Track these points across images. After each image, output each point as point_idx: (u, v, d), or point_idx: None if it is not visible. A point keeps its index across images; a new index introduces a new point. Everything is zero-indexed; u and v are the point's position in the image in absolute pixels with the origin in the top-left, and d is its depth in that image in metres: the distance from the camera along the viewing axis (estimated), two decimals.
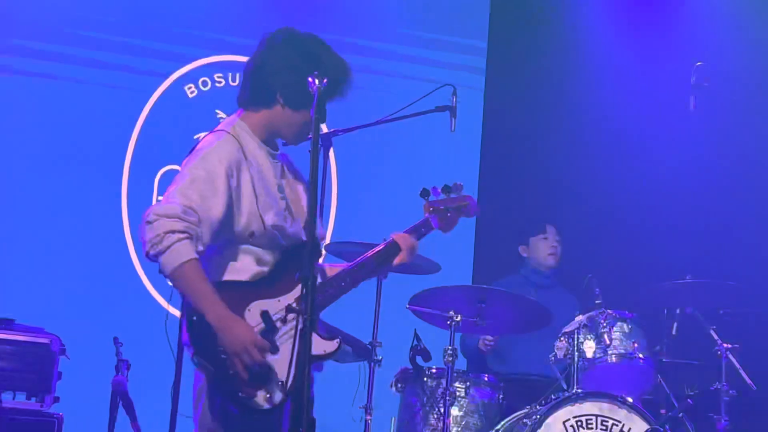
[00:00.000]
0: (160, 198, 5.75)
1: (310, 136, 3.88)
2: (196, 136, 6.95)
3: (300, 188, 4.11)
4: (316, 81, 3.58)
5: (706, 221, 7.73)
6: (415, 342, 5.82)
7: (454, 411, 5.89)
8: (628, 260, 7.67)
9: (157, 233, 3.67)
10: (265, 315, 3.80)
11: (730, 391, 6.06)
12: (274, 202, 3.92)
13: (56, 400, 5.72)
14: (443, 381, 5.79)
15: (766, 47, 7.82)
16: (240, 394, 3.72)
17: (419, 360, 5.86)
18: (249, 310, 3.80)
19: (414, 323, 5.97)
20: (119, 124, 7.36)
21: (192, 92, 7.50)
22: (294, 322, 3.80)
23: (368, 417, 5.87)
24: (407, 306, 5.93)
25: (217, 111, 7.16)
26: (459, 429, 5.92)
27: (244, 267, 3.87)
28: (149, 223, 3.69)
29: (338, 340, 3.92)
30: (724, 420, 6.03)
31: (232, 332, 3.68)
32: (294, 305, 3.80)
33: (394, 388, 6.08)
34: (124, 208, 7.24)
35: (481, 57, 8.10)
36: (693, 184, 7.79)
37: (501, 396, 6.05)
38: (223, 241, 3.86)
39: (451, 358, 5.75)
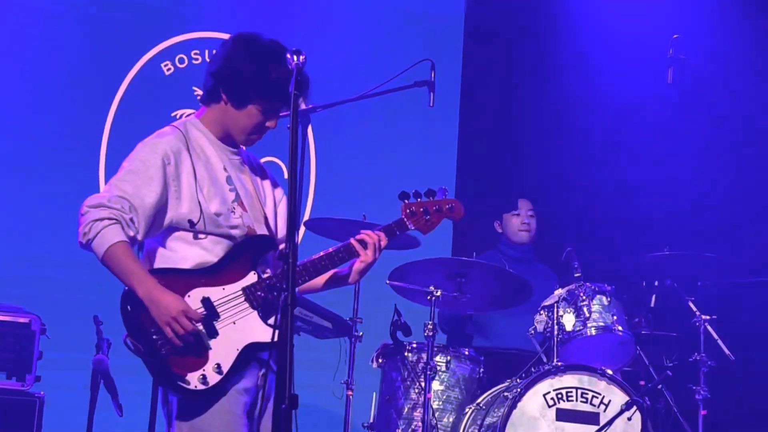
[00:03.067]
0: None
1: (262, 129, 4.07)
2: (173, 113, 6.94)
3: (262, 185, 4.20)
4: (295, 57, 3.58)
5: (684, 194, 7.77)
6: (396, 317, 5.84)
7: (435, 385, 5.92)
8: (607, 233, 7.70)
9: (86, 223, 3.85)
10: (205, 301, 3.90)
11: (709, 362, 6.11)
12: (219, 192, 4.00)
13: (37, 379, 5.71)
14: (424, 355, 5.81)
15: (742, 19, 7.85)
16: (166, 372, 3.83)
17: (399, 335, 5.88)
18: (189, 296, 3.90)
19: (394, 298, 5.99)
20: (96, 101, 7.31)
21: (169, 69, 7.46)
22: (235, 310, 3.92)
23: (349, 392, 5.89)
24: (387, 281, 5.94)
25: (194, 88, 7.14)
26: (440, 403, 5.95)
27: (188, 256, 3.96)
28: (81, 215, 3.87)
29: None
30: (703, 390, 6.08)
31: (161, 303, 3.80)
32: (276, 282, 3.86)
33: (374, 364, 6.10)
34: (102, 185, 7.20)
35: (459, 31, 8.09)
36: (671, 156, 7.82)
37: (481, 370, 6.08)
38: (166, 230, 3.97)
39: (431, 333, 5.77)
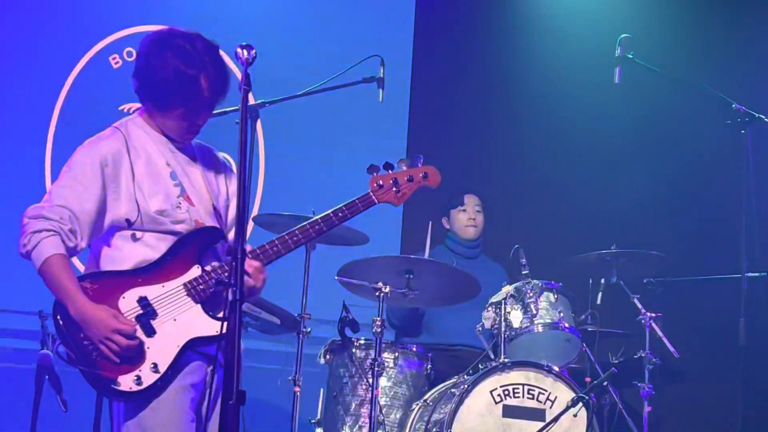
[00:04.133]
0: None
1: (193, 128, 4.04)
2: (120, 107, 6.88)
3: (215, 178, 4.18)
4: (245, 52, 3.56)
5: (630, 192, 7.83)
6: (344, 313, 5.83)
7: (383, 381, 5.91)
8: (555, 231, 7.74)
9: (26, 234, 3.87)
10: (142, 300, 3.90)
11: (654, 359, 6.17)
12: (161, 189, 4.00)
13: None
14: (372, 352, 5.80)
15: (685, 22, 7.94)
16: (98, 376, 3.82)
17: (348, 331, 5.87)
18: (124, 297, 3.89)
19: (343, 295, 5.98)
20: (43, 94, 7.25)
21: (117, 62, 7.41)
22: (174, 306, 3.91)
23: (297, 388, 5.87)
24: (336, 278, 5.93)
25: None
26: (388, 399, 5.95)
27: (129, 255, 3.96)
28: (22, 225, 3.89)
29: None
30: (648, 387, 6.14)
31: (92, 322, 3.81)
32: (224, 278, 3.84)
33: (322, 360, 6.08)
34: (48, 178, 7.14)
35: (410, 26, 8.09)
36: (618, 155, 7.88)
37: (429, 366, 6.09)
38: (109, 231, 3.98)
39: (379, 329, 5.76)
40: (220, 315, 3.92)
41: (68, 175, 3.94)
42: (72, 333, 3.83)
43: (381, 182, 4.20)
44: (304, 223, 4.09)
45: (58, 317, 3.85)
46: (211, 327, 3.91)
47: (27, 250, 3.86)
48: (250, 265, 3.92)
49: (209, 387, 3.92)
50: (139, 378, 3.83)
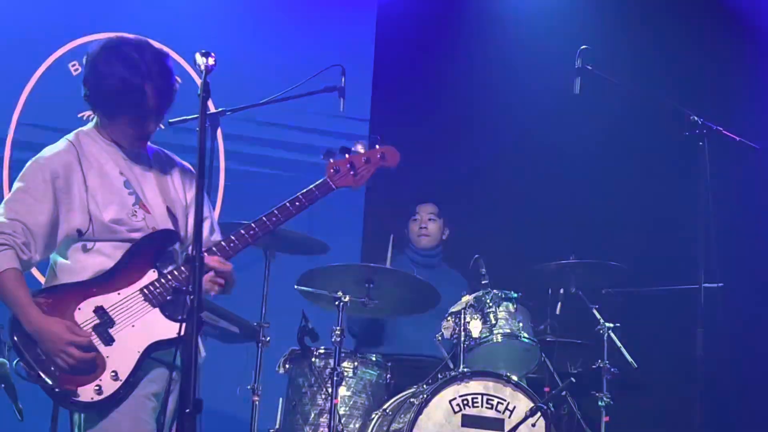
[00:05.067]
0: None
1: (142, 135, 4.04)
2: (80, 114, 6.82)
3: (173, 183, 4.16)
4: (204, 59, 3.55)
5: (589, 203, 7.87)
6: (303, 322, 5.83)
7: (342, 391, 5.91)
8: (514, 241, 7.76)
9: None
10: (98, 310, 3.87)
11: (612, 369, 6.19)
12: (115, 198, 3.98)
13: None
14: (331, 361, 5.80)
15: (647, 28, 8.00)
16: (57, 390, 3.79)
17: (307, 340, 5.87)
18: (80, 309, 3.86)
19: (302, 304, 5.97)
20: (2, 100, 7.19)
21: (76, 69, 7.36)
22: (131, 312, 3.88)
23: (255, 398, 5.86)
24: (295, 286, 5.92)
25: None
26: (347, 409, 5.94)
27: (86, 266, 3.94)
28: None
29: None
30: (606, 397, 6.16)
31: (46, 336, 3.79)
32: (180, 286, 3.83)
33: (281, 369, 6.07)
34: (5, 186, 7.09)
35: (371, 35, 8.09)
36: (578, 165, 7.92)
37: (388, 375, 6.09)
38: (65, 243, 3.95)
39: (338, 338, 5.76)
40: (180, 317, 3.89)
41: (20, 190, 3.92)
42: (29, 348, 3.80)
43: (338, 167, 4.12)
44: (261, 216, 4.07)
45: (14, 335, 3.82)
46: (170, 330, 3.87)
47: None
48: (212, 260, 3.89)
49: (171, 394, 3.90)
50: (99, 387, 3.79)
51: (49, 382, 3.78)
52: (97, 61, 3.99)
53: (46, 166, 3.94)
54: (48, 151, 4.02)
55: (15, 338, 3.82)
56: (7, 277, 3.82)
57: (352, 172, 4.15)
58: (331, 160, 4.13)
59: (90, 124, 4.11)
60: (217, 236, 4.17)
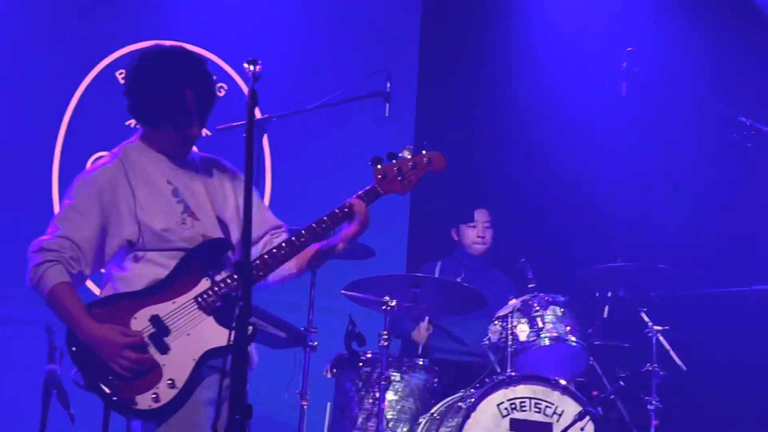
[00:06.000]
0: None
1: (187, 140, 4.07)
2: (127, 122, 6.88)
3: (221, 189, 4.18)
4: (251, 67, 3.56)
5: (637, 205, 7.82)
6: (350, 327, 5.83)
7: (390, 395, 5.91)
8: (561, 244, 7.73)
9: (31, 269, 3.91)
10: (154, 319, 3.90)
11: (661, 372, 6.15)
12: (164, 207, 4.01)
13: None
14: (378, 365, 5.80)
15: (693, 31, 7.94)
16: (115, 398, 3.83)
17: (354, 345, 5.87)
18: (135, 318, 3.90)
19: (349, 309, 5.99)
20: (50, 110, 7.27)
21: (123, 78, 7.41)
22: (186, 320, 3.91)
23: (304, 403, 5.87)
24: (342, 291, 5.94)
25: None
26: (394, 413, 5.95)
27: (140, 275, 3.97)
28: (27, 261, 3.93)
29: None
30: (655, 401, 6.12)
31: (101, 343, 3.83)
32: (230, 292, 3.85)
33: (329, 374, 6.09)
34: (55, 195, 7.16)
35: (415, 40, 8.10)
36: (625, 168, 7.87)
37: (436, 380, 6.09)
38: (118, 254, 4.00)
39: (386, 343, 5.76)
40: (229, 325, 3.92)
41: (67, 207, 3.99)
42: (86, 358, 3.85)
43: (385, 173, 4.16)
44: (311, 223, 4.10)
45: (72, 346, 3.87)
46: (224, 337, 3.82)
47: (33, 283, 3.91)
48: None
49: (222, 401, 3.92)
50: (156, 396, 3.83)
51: (108, 391, 3.82)
52: (135, 71, 4.04)
53: (92, 183, 4.00)
54: (93, 166, 4.09)
55: (73, 349, 3.87)
56: (58, 291, 3.88)
57: (399, 178, 4.17)
58: (379, 166, 4.15)
59: (135, 137, 4.15)
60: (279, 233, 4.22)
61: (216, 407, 3.93)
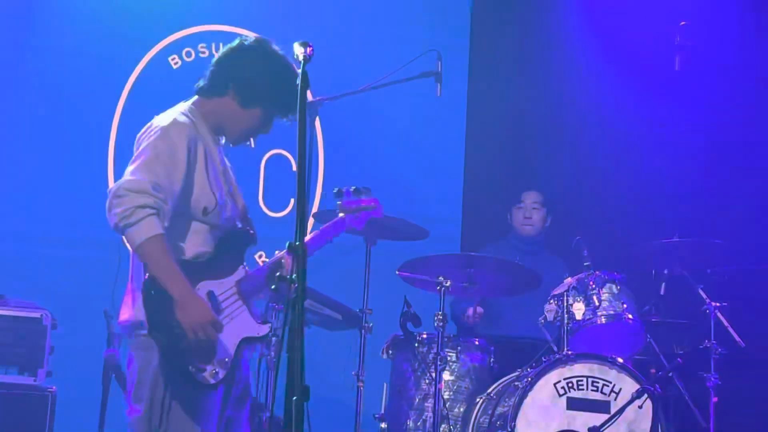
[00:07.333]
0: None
1: (246, 139, 4.20)
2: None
3: (234, 179, 4.23)
4: (302, 49, 3.56)
5: (693, 181, 7.74)
6: (405, 308, 5.85)
7: (446, 376, 5.92)
8: (616, 221, 7.68)
9: (127, 207, 3.75)
10: (210, 295, 3.94)
11: (719, 349, 6.10)
12: (220, 184, 4.04)
13: (49, 374, 5.73)
14: (434, 346, 5.82)
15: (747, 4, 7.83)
16: (190, 368, 3.84)
17: (410, 326, 5.89)
18: (198, 289, 3.91)
19: (404, 289, 5.99)
20: (104, 96, 7.31)
21: (176, 63, 7.46)
22: (233, 304, 3.98)
23: (360, 384, 5.90)
24: (397, 272, 5.94)
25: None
26: (451, 393, 5.96)
27: (188, 246, 3.97)
28: (119, 197, 3.77)
29: (270, 324, 4.08)
30: (714, 377, 6.07)
31: (193, 309, 3.80)
32: (284, 274, 3.88)
33: (385, 355, 6.11)
34: (110, 179, 7.22)
35: (466, 20, 8.07)
36: (680, 143, 7.80)
37: (492, 359, 6.09)
38: (176, 216, 3.94)
39: (441, 324, 5.77)
40: (260, 318, 4.06)
41: (159, 154, 3.87)
42: (163, 311, 3.80)
43: (347, 208, 4.47)
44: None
45: (152, 292, 3.80)
46: (254, 328, 4.00)
47: (127, 223, 3.76)
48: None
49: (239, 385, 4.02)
50: (216, 372, 3.88)
51: (177, 354, 3.82)
52: (249, 57, 4.09)
53: (182, 135, 3.94)
54: (174, 120, 3.99)
55: (152, 293, 3.81)
56: (157, 242, 3.78)
57: (358, 214, 4.47)
58: (343, 201, 4.48)
59: (188, 107, 4.11)
60: None
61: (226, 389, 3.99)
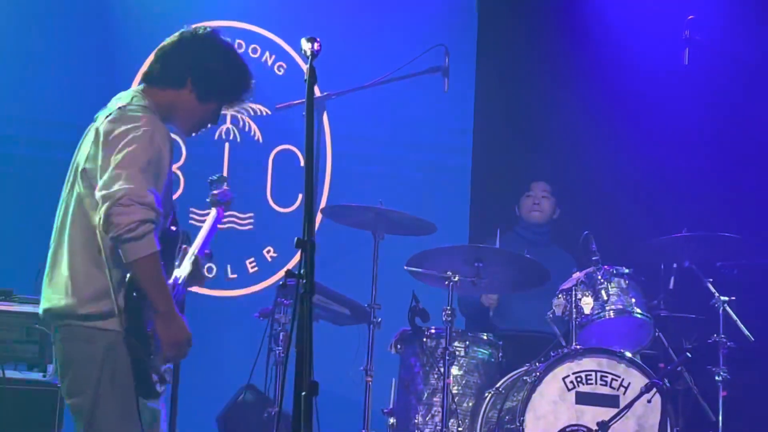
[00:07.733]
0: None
1: (196, 131, 4.15)
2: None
3: None
4: (309, 44, 3.55)
5: (701, 175, 7.73)
6: (414, 303, 5.85)
7: (454, 370, 5.92)
8: (625, 216, 7.67)
9: (134, 220, 3.64)
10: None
11: (728, 343, 6.09)
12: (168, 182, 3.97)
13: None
14: (442, 341, 5.82)
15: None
16: (154, 376, 3.84)
17: (418, 321, 5.89)
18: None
19: (412, 284, 5.99)
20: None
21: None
22: None
23: (369, 379, 5.90)
24: (405, 267, 5.94)
25: None
26: (459, 388, 5.96)
27: None
28: (125, 206, 3.65)
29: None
30: (723, 372, 6.06)
31: (175, 326, 3.81)
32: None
33: (393, 350, 6.10)
34: None
35: (473, 14, 8.06)
36: (688, 137, 7.79)
37: (500, 354, 6.09)
38: None
39: (449, 318, 5.77)
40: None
41: (148, 161, 3.76)
42: (138, 316, 3.77)
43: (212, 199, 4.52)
44: None
45: (134, 292, 3.75)
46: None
47: (130, 237, 3.65)
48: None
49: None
50: (164, 381, 3.90)
51: (149, 366, 3.82)
52: (207, 49, 4.02)
53: (165, 141, 3.85)
54: (152, 121, 3.86)
55: (134, 294, 3.76)
56: (154, 259, 3.71)
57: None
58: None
59: (141, 96, 3.96)
60: None
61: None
